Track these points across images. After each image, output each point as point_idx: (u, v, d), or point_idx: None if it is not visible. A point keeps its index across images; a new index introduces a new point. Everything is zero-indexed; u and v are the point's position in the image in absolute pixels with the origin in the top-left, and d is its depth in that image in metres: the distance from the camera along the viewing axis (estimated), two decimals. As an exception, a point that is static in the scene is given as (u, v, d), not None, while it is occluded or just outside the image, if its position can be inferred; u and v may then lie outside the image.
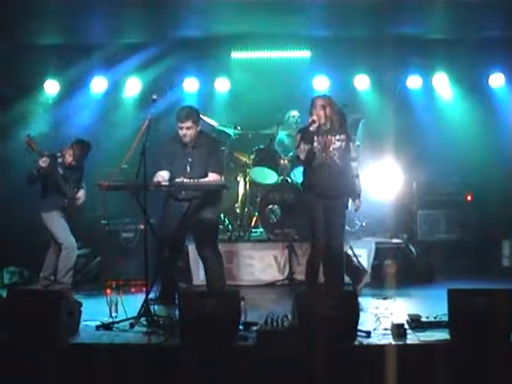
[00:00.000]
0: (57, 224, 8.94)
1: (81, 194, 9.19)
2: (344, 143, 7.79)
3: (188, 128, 7.97)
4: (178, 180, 7.76)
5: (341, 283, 7.99)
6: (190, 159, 8.06)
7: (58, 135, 10.46)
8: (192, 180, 7.79)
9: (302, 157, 7.80)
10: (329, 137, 7.78)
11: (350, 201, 8.07)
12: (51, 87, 11.49)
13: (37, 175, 8.69)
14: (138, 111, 11.20)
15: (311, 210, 7.94)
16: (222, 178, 8.02)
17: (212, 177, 8.00)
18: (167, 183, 7.63)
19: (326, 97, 8.02)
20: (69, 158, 9.02)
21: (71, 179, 9.07)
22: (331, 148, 7.75)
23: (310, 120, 7.74)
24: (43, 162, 8.57)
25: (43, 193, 8.99)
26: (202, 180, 7.88)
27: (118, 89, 11.72)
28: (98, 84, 11.57)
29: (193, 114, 8.07)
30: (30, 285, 9.44)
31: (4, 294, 6.86)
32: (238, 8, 9.58)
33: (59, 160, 8.98)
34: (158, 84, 11.23)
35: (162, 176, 7.92)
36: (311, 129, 7.71)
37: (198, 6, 9.52)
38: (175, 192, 7.90)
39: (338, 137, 7.77)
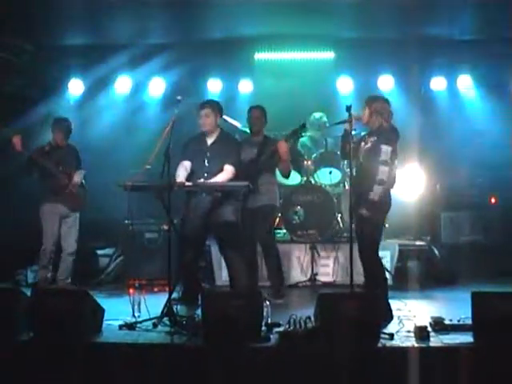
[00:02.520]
0: (44, 221, 9.00)
1: (76, 176, 9.09)
2: (372, 143, 7.66)
3: (207, 115, 8.09)
4: (199, 180, 7.82)
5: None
6: (208, 154, 8.13)
7: (82, 136, 10.49)
8: (208, 177, 7.89)
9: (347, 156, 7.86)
10: (368, 138, 7.75)
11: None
12: (76, 87, 11.57)
13: (23, 160, 8.74)
14: (162, 111, 11.24)
15: (350, 210, 7.83)
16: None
17: (227, 169, 8.01)
18: (191, 184, 7.65)
19: (372, 98, 7.93)
20: (58, 139, 9.05)
21: (67, 163, 9.06)
22: (363, 148, 7.71)
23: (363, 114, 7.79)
24: (15, 138, 8.59)
25: (39, 184, 9.10)
26: (224, 178, 7.91)
27: (142, 89, 11.78)
28: (123, 84, 11.65)
29: (212, 102, 8.36)
30: (54, 284, 9.48)
31: (29, 294, 6.89)
32: (261, 9, 9.61)
33: (47, 148, 8.98)
34: (182, 85, 11.28)
35: (185, 167, 8.05)
36: (349, 129, 7.69)
37: (222, 8, 9.54)
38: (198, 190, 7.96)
39: (371, 138, 7.71)
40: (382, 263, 8.00)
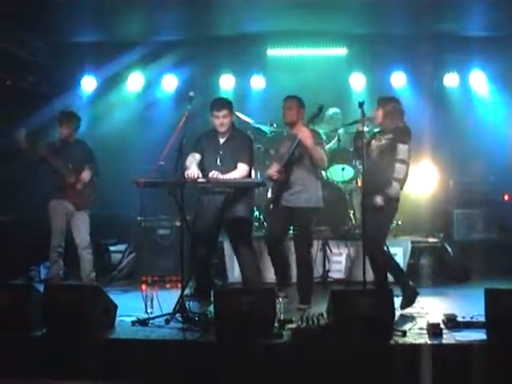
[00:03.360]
0: (52, 217, 8.97)
1: (85, 173, 9.00)
2: (387, 142, 7.71)
3: (224, 116, 8.06)
4: (211, 174, 7.78)
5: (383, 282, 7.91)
6: (221, 152, 8.12)
7: (95, 132, 10.52)
8: (222, 173, 7.84)
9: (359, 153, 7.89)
10: (380, 136, 7.78)
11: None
12: (89, 84, 11.60)
13: (24, 153, 8.72)
14: (174, 108, 11.25)
15: (361, 206, 7.89)
16: (255, 173, 8.00)
17: (241, 167, 8.02)
18: (204, 180, 7.65)
19: (385, 99, 7.96)
20: (64, 133, 9.00)
21: (76, 159, 8.98)
22: (376, 145, 7.74)
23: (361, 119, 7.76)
24: (18, 135, 8.58)
25: (47, 178, 9.05)
26: (237, 175, 7.91)
27: (155, 86, 11.79)
28: (135, 81, 11.66)
29: (228, 103, 8.24)
30: (67, 280, 9.51)
31: (42, 289, 6.92)
32: (274, 5, 9.59)
33: (57, 144, 8.99)
34: (194, 81, 11.29)
35: (195, 157, 8.04)
36: (361, 128, 7.72)
37: (234, 4, 9.54)
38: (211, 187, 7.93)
39: (386, 136, 7.74)
40: (391, 256, 8.13)
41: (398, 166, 7.64)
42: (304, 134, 7.78)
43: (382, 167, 7.69)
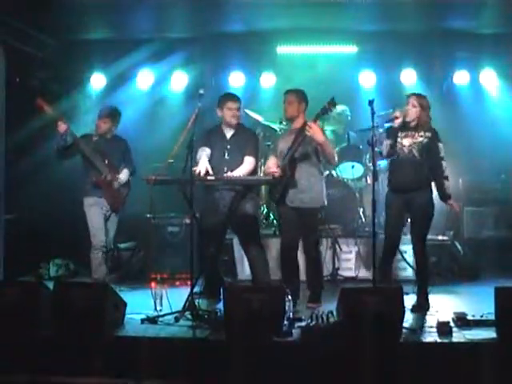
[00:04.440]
0: (90, 216, 8.58)
1: (123, 174, 8.75)
2: (427, 140, 7.70)
3: (238, 109, 8.14)
4: (217, 170, 7.82)
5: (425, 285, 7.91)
6: (228, 146, 8.15)
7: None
8: (229, 170, 7.89)
9: (385, 152, 7.79)
10: (413, 133, 7.74)
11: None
12: (98, 81, 11.61)
13: (63, 143, 8.39)
14: (184, 105, 11.24)
15: (387, 205, 7.95)
16: (274, 167, 7.88)
17: (248, 160, 8.04)
18: (213, 177, 7.64)
19: (421, 96, 7.93)
20: (102, 127, 8.71)
21: (112, 156, 8.71)
22: (411, 142, 7.71)
23: (392, 116, 7.72)
24: (60, 127, 8.29)
25: (82, 174, 8.72)
26: (244, 172, 7.93)
27: (165, 83, 11.79)
28: (145, 78, 11.66)
29: (239, 97, 8.32)
30: (76, 277, 9.52)
31: (51, 287, 6.92)
32: (284, 3, 9.58)
33: (95, 139, 8.68)
34: (204, 79, 11.29)
35: (205, 151, 8.03)
36: (395, 125, 7.68)
37: (244, 1, 9.53)
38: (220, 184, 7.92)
39: (421, 133, 7.71)
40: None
41: (444, 164, 7.77)
42: (315, 129, 7.59)
43: (426, 164, 7.71)
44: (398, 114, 7.70)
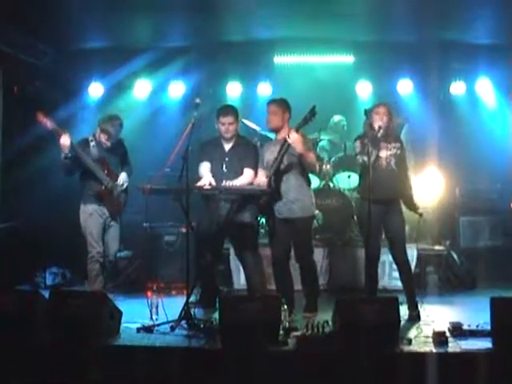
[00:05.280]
0: (89, 225, 8.40)
1: (121, 177, 8.59)
2: (400, 151, 7.78)
3: (230, 123, 8.05)
4: (219, 182, 7.83)
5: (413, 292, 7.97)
6: (226, 158, 8.13)
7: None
8: (228, 181, 7.85)
9: (367, 162, 7.61)
10: (386, 144, 7.77)
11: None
12: (96, 90, 11.62)
13: (67, 161, 8.16)
14: (181, 115, 11.25)
15: (363, 216, 7.85)
16: (264, 178, 7.88)
17: (247, 172, 8.04)
18: (209, 187, 7.66)
19: (388, 104, 7.96)
20: (102, 138, 8.47)
21: (111, 163, 8.56)
22: (388, 154, 7.76)
23: (376, 126, 7.66)
24: (64, 140, 8.04)
25: (80, 182, 8.52)
26: (242, 183, 7.92)
27: (162, 92, 11.81)
28: (142, 87, 11.69)
29: (234, 110, 8.21)
30: (72, 286, 9.51)
31: (47, 296, 6.92)
32: (281, 12, 9.60)
33: (92, 144, 8.43)
34: (201, 88, 11.31)
35: (207, 166, 8.05)
36: (379, 135, 7.65)
37: (241, 11, 9.55)
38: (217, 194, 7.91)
39: (393, 144, 7.76)
40: None
41: (408, 173, 7.96)
42: (294, 139, 7.48)
43: (401, 176, 7.84)
44: (381, 123, 7.69)
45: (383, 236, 8.03)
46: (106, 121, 8.55)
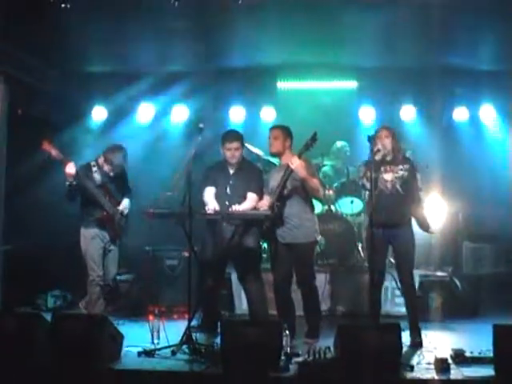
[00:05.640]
0: (90, 249, 8.46)
1: (123, 204, 8.70)
2: (407, 173, 7.79)
3: (236, 149, 8.06)
4: (223, 205, 7.85)
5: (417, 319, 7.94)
6: (231, 181, 8.13)
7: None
8: (230, 204, 7.85)
9: (368, 186, 7.69)
10: (392, 166, 7.80)
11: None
12: (99, 114, 11.65)
13: (71, 188, 8.21)
14: (184, 139, 11.28)
15: (368, 240, 7.94)
16: (267, 202, 7.88)
17: (251, 197, 8.01)
18: (212, 212, 7.66)
19: (390, 128, 7.98)
20: (105, 167, 8.56)
21: (112, 189, 8.64)
22: (393, 176, 7.78)
23: (375, 149, 7.59)
24: (70, 169, 8.09)
25: (81, 206, 8.57)
26: (246, 208, 7.89)
27: (165, 116, 11.84)
28: (145, 111, 11.72)
29: (240, 136, 8.23)
30: (74, 309, 9.49)
31: (48, 318, 6.91)
32: (284, 38, 9.64)
33: (94, 169, 8.52)
34: (204, 112, 11.33)
35: (211, 191, 8.06)
36: (376, 158, 7.61)
37: (244, 36, 9.60)
38: (220, 219, 7.90)
39: (401, 166, 7.78)
40: None
41: (421, 194, 7.90)
42: (296, 165, 7.52)
43: (409, 198, 7.83)
44: (380, 146, 7.71)
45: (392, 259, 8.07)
46: (110, 151, 8.61)
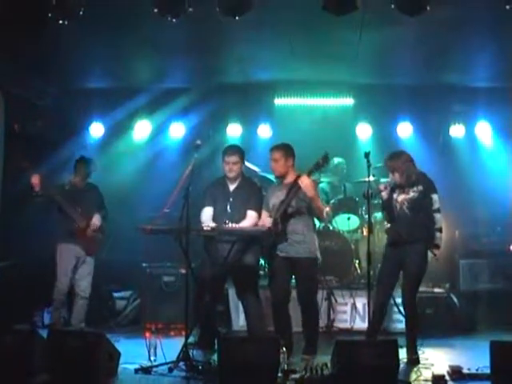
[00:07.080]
0: (59, 261, 8.82)
1: (95, 219, 8.93)
2: (419, 194, 7.81)
3: (234, 163, 8.06)
4: (218, 223, 7.82)
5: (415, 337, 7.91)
6: (231, 199, 8.12)
7: (101, 179, 10.51)
8: (231, 223, 7.80)
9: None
10: (406, 189, 7.87)
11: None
12: (96, 130, 11.65)
13: (37, 199, 8.61)
14: (181, 156, 11.26)
15: (383, 257, 8.15)
16: (266, 219, 7.88)
17: (250, 215, 8.02)
18: (209, 228, 7.65)
19: (394, 156, 7.99)
20: (76, 179, 9.00)
21: (85, 203, 8.91)
22: (403, 198, 7.85)
23: (378, 189, 8.10)
24: (34, 179, 8.45)
25: (56, 221, 8.95)
26: (245, 225, 7.88)
27: (162, 133, 11.83)
28: (142, 128, 11.71)
29: (239, 150, 8.25)
30: (70, 326, 9.46)
31: (45, 335, 6.89)
32: (281, 55, 9.67)
33: (66, 181, 8.99)
34: (201, 129, 11.34)
35: (209, 213, 8.05)
36: (384, 197, 7.97)
37: (241, 53, 9.63)
38: (217, 235, 7.88)
39: (414, 188, 7.81)
40: None
41: (437, 216, 7.85)
42: (306, 184, 7.53)
43: (418, 219, 7.81)
44: (381, 187, 7.98)
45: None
46: (78, 163, 9.08)
